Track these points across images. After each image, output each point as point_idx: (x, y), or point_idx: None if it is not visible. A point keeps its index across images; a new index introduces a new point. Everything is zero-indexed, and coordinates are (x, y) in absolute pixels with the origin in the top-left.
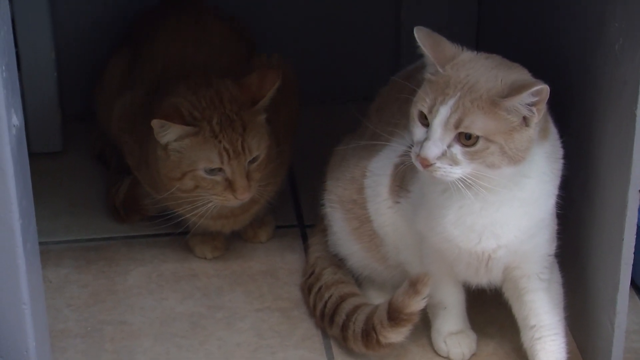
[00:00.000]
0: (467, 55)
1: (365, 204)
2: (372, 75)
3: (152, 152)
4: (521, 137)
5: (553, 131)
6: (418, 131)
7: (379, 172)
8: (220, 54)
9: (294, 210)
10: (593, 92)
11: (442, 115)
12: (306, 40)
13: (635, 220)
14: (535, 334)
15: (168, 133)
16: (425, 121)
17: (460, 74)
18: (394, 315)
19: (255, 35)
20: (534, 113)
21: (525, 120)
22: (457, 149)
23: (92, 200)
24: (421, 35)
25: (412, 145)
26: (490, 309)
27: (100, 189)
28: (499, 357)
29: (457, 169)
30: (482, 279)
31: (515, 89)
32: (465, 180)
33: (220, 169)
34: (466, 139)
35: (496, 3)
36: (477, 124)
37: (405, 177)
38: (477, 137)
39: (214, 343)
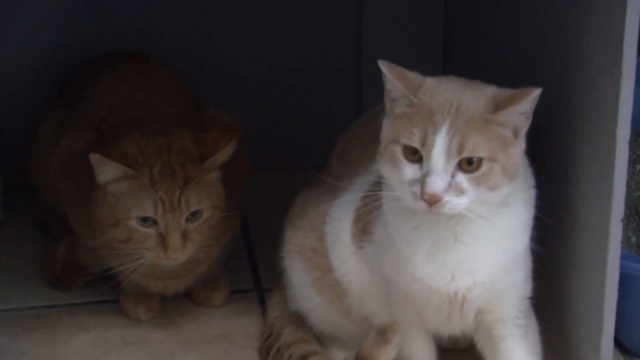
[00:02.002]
0: (431, 81)
1: (326, 252)
2: (331, 142)
3: (93, 198)
4: (515, 151)
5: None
6: (407, 170)
7: (339, 216)
8: (171, 103)
9: (252, 274)
10: (569, 115)
11: (440, 144)
12: (263, 105)
13: (619, 253)
14: None
15: (105, 171)
16: (414, 157)
17: (439, 98)
18: None
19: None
20: (525, 122)
21: (515, 133)
22: (461, 177)
23: (33, 269)
24: (388, 68)
25: (376, 189)
26: None
27: (42, 258)
28: None
29: (463, 199)
30: (454, 326)
31: (515, 98)
32: (470, 209)
33: (154, 222)
34: (468, 164)
35: (463, 30)
36: (480, 146)
37: (367, 220)
38: (481, 160)
39: None
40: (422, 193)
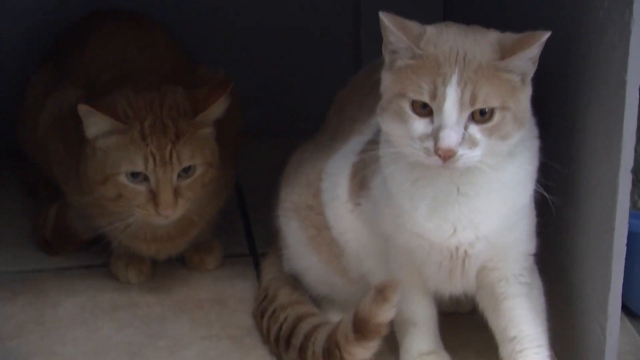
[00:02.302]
0: (431, 29)
1: (322, 209)
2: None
3: (82, 154)
4: (524, 96)
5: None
6: (417, 124)
7: (336, 172)
8: (164, 60)
9: (246, 238)
10: (577, 64)
11: (451, 96)
12: (260, 71)
13: (628, 206)
14: (516, 346)
15: (93, 124)
16: (424, 111)
17: (444, 47)
18: (361, 327)
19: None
20: (530, 67)
21: (523, 78)
22: (474, 129)
23: (22, 232)
24: (390, 19)
25: (376, 142)
26: (465, 332)
27: (31, 222)
28: None
29: (477, 151)
30: (456, 284)
31: (524, 43)
32: (482, 160)
33: (144, 178)
34: (481, 115)
35: None
36: (492, 95)
37: (365, 175)
38: (493, 110)
39: None
40: (437, 148)
